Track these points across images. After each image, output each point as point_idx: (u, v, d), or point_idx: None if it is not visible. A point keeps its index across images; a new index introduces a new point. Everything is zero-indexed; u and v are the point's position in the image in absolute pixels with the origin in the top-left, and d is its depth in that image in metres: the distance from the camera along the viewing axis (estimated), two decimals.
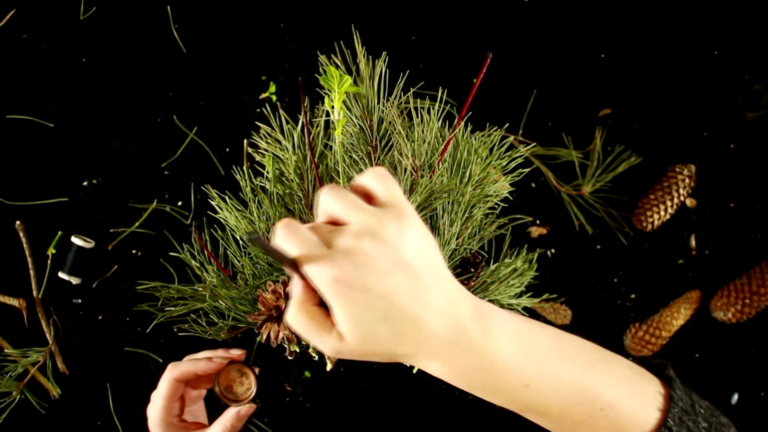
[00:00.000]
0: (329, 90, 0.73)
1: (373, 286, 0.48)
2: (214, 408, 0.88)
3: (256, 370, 0.79)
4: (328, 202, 0.51)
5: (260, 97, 1.08)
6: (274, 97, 1.08)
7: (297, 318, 0.51)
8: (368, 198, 0.53)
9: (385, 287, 0.48)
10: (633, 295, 1.07)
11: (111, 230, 1.06)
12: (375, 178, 0.52)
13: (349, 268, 0.47)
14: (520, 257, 0.89)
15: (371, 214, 0.50)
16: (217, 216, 0.83)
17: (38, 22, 1.08)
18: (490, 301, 0.85)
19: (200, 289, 0.80)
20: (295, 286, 0.52)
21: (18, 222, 1.05)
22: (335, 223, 0.52)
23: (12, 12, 1.08)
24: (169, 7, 1.08)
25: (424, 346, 0.50)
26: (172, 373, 0.76)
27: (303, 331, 0.51)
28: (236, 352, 0.80)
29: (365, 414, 1.05)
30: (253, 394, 0.78)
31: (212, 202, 0.82)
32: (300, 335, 0.52)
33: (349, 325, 0.49)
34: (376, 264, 0.48)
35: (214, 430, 0.77)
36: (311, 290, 0.52)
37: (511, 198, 1.04)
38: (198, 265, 0.82)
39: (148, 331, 1.04)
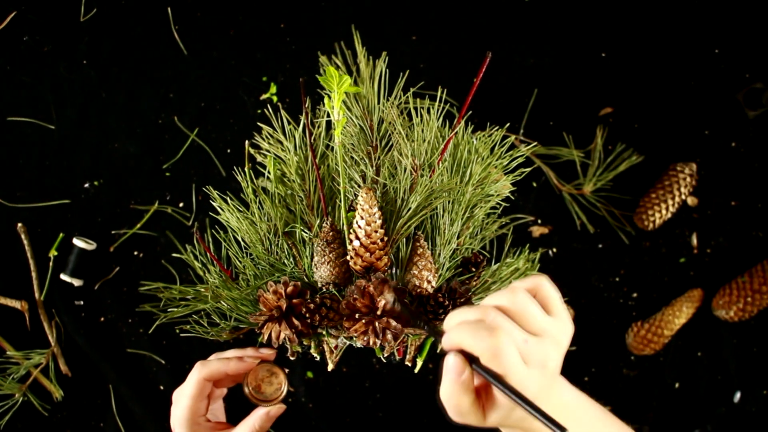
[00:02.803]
0: (329, 90, 0.73)
1: (541, 395, 0.55)
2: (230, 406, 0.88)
3: (286, 370, 0.77)
4: (516, 306, 0.56)
5: (261, 98, 1.08)
6: (275, 98, 1.08)
7: (460, 401, 0.56)
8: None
9: (546, 394, 0.56)
10: (635, 294, 1.07)
11: (113, 232, 1.06)
12: (548, 290, 0.59)
13: (537, 388, 0.54)
14: (521, 257, 0.89)
15: (555, 328, 0.57)
16: (218, 217, 0.83)
17: (39, 24, 1.08)
18: None
19: (202, 289, 0.80)
20: (464, 374, 0.56)
21: (20, 224, 1.05)
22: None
23: (12, 14, 1.08)
24: (169, 9, 1.09)
25: (525, 427, 0.58)
26: (201, 372, 0.74)
27: (457, 410, 0.57)
28: (267, 352, 0.78)
29: (368, 414, 1.05)
30: (284, 394, 0.76)
31: (214, 203, 0.82)
32: (449, 409, 0.58)
33: (503, 419, 0.56)
34: (550, 377, 0.56)
35: (241, 430, 0.75)
36: (473, 379, 0.57)
37: (512, 197, 1.04)
38: (200, 265, 0.82)
39: (150, 332, 1.05)
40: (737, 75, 1.09)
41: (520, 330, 0.55)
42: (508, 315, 0.56)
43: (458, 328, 0.56)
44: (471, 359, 0.55)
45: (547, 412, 0.52)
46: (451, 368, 0.56)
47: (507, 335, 0.54)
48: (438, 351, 0.58)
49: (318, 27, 1.10)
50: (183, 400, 0.74)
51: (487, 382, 0.56)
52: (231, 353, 0.78)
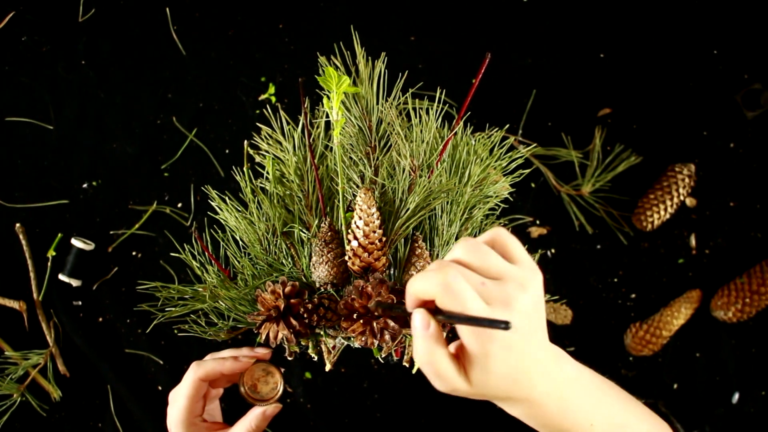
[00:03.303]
0: (328, 91, 0.74)
1: (516, 344, 0.53)
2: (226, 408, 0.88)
3: (282, 369, 0.77)
4: (472, 255, 0.55)
5: (260, 98, 1.08)
6: (273, 99, 1.08)
7: (433, 357, 0.54)
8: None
9: (523, 346, 0.54)
10: (633, 295, 1.07)
11: (111, 232, 1.06)
12: (506, 237, 0.57)
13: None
14: None
15: (518, 272, 0.54)
16: (217, 217, 0.83)
17: (37, 25, 1.08)
18: None
19: (200, 289, 0.80)
20: (430, 326, 0.55)
21: (18, 224, 1.05)
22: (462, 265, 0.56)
23: (11, 14, 1.08)
24: (168, 9, 1.09)
25: (526, 400, 0.57)
26: (197, 372, 0.74)
27: (433, 369, 0.55)
28: (262, 351, 0.78)
29: (366, 414, 1.05)
30: (280, 393, 0.76)
31: (212, 203, 0.82)
32: (426, 370, 0.56)
33: (485, 375, 0.54)
34: (524, 325, 0.53)
35: (238, 430, 0.75)
36: (442, 332, 0.55)
37: (510, 198, 1.04)
38: (198, 265, 0.82)
39: (148, 331, 1.04)
40: (736, 76, 1.09)
41: (475, 274, 0.54)
42: (464, 266, 0.54)
43: (411, 279, 0.55)
44: (434, 312, 0.54)
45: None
46: (417, 325, 0.55)
47: (455, 271, 0.52)
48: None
49: (317, 27, 1.10)
50: (179, 400, 0.74)
51: (461, 344, 0.55)
52: (226, 353, 0.78)
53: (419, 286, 0.54)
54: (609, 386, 0.66)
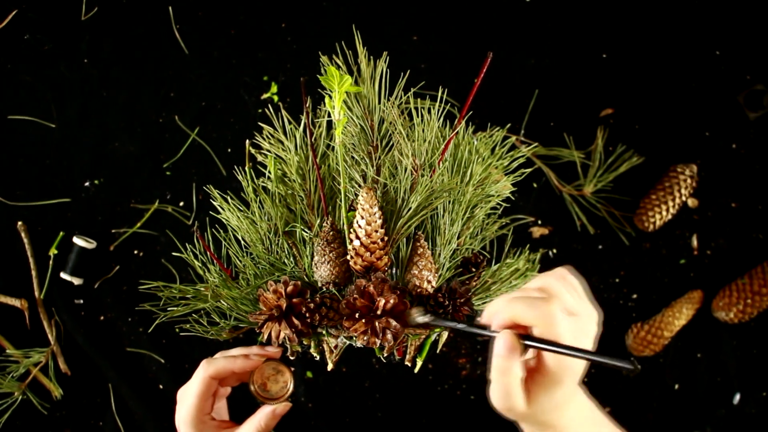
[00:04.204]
0: (330, 90, 0.73)
1: (577, 378, 0.57)
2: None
3: (292, 369, 0.76)
4: (556, 290, 0.58)
5: (262, 97, 1.08)
6: (275, 98, 1.08)
7: (510, 378, 0.56)
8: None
9: (579, 379, 0.58)
10: (635, 295, 1.07)
11: (113, 231, 1.06)
12: (572, 278, 0.61)
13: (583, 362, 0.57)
14: (521, 257, 0.89)
15: (587, 310, 0.59)
16: (219, 216, 0.83)
17: (40, 23, 1.08)
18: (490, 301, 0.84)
19: (202, 289, 0.80)
20: (518, 349, 0.57)
21: (20, 222, 1.05)
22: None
23: (13, 12, 1.08)
24: (170, 8, 1.09)
25: (554, 426, 0.60)
26: (207, 370, 0.73)
27: (506, 388, 0.57)
28: (272, 350, 0.78)
29: (367, 414, 1.05)
30: (290, 392, 0.75)
31: (214, 203, 0.82)
32: (498, 387, 0.58)
33: (546, 401, 0.57)
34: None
35: (247, 429, 0.75)
36: (524, 356, 0.58)
37: (512, 198, 1.04)
38: (200, 264, 0.82)
39: (149, 331, 1.05)
40: (738, 77, 1.09)
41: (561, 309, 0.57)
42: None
43: (510, 302, 0.57)
44: (521, 336, 0.57)
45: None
46: (504, 345, 0.57)
47: (558, 306, 0.56)
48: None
49: (319, 27, 1.10)
50: (189, 398, 0.73)
51: (531, 369, 0.58)
52: (236, 351, 0.78)
53: (522, 312, 0.57)
54: (606, 416, 0.70)
